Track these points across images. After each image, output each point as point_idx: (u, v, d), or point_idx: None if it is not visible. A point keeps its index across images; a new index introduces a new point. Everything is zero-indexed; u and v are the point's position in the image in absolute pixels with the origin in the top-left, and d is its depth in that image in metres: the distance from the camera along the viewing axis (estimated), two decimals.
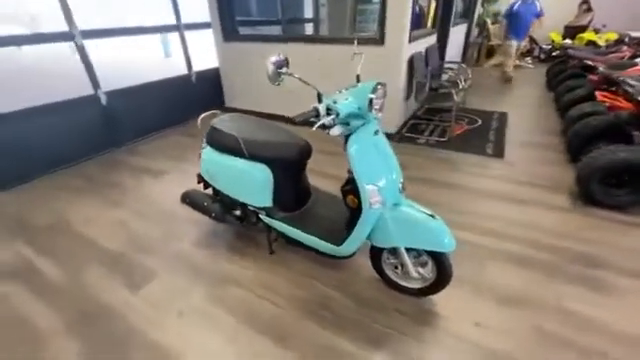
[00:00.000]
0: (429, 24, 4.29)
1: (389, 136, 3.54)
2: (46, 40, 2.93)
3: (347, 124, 1.36)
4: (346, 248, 1.54)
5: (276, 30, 4.94)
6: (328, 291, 1.72)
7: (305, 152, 1.68)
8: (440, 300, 1.63)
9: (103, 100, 3.35)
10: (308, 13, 5.51)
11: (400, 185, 1.43)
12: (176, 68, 4.18)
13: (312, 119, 1.21)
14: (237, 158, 1.74)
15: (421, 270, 1.56)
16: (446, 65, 4.71)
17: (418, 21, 3.79)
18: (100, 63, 3.40)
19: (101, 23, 3.22)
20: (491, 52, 7.89)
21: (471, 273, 1.78)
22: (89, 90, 3.24)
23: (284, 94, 3.85)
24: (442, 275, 1.49)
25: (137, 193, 2.70)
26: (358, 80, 1.54)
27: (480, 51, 7.81)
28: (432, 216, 1.40)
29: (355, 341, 1.45)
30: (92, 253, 2.05)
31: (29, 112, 2.88)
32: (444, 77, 4.37)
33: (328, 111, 1.23)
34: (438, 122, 3.98)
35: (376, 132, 1.40)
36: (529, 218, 2.22)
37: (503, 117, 4.17)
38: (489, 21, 7.72)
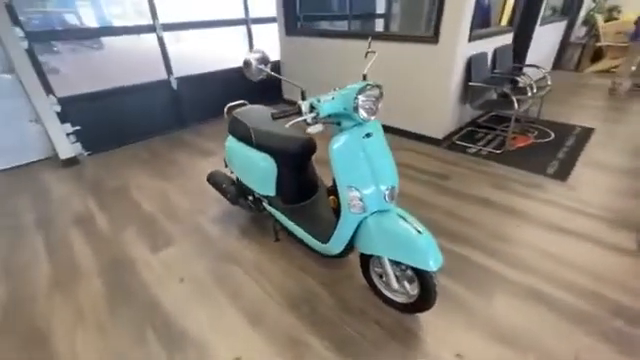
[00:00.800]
0: (504, 21, 3.82)
1: (435, 142, 3.32)
2: (134, 32, 3.46)
3: (339, 124, 1.35)
4: (331, 247, 1.54)
5: (343, 26, 4.97)
6: (316, 288, 1.73)
7: (307, 147, 1.70)
8: (427, 321, 1.52)
9: (174, 84, 3.83)
10: (381, 9, 5.39)
11: (387, 192, 1.36)
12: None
13: (294, 116, 1.23)
14: (248, 147, 1.86)
15: (407, 285, 1.47)
16: (525, 69, 4.15)
17: (486, 18, 3.42)
18: (184, 53, 3.90)
19: (187, 17, 3.69)
20: (598, 55, 6.64)
21: (473, 301, 1.61)
22: (163, 75, 3.75)
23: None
24: (425, 294, 1.39)
25: (185, 169, 3.05)
26: (364, 79, 1.49)
27: (583, 54, 6.64)
28: (420, 231, 1.30)
29: (323, 340, 1.46)
30: (135, 214, 2.41)
31: (120, 90, 3.48)
32: (520, 82, 3.87)
33: (312, 109, 1.24)
34: (500, 132, 3.57)
35: (368, 135, 1.34)
36: (574, 254, 1.88)
37: (586, 134, 3.52)
38: (600, 18, 6.49)
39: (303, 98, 1.25)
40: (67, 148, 3.19)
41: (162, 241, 2.12)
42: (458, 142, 3.38)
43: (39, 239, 2.19)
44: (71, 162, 3.22)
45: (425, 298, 1.40)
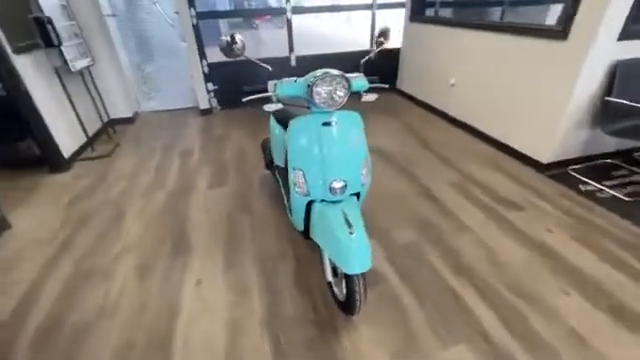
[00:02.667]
0: None
1: (537, 165, 2.64)
2: (270, 13, 4.10)
3: (309, 108, 1.41)
4: (294, 221, 1.64)
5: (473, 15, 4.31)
6: (289, 256, 1.87)
7: None
8: (356, 329, 1.45)
9: (293, 61, 4.38)
10: None
11: (335, 185, 1.34)
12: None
13: (259, 94, 1.38)
14: (275, 122, 2.10)
15: (343, 283, 1.44)
16: None
17: None
18: (316, 33, 4.41)
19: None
20: None
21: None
22: (286, 53, 4.33)
23: (448, 87, 3.57)
24: (349, 297, 1.34)
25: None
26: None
27: None
28: (352, 233, 1.25)
29: (262, 295, 1.63)
30: (217, 158, 3.08)
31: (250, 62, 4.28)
32: None
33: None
34: None
35: (328, 124, 1.34)
36: None
37: None
38: None
39: (269, 78, 1.38)
40: (206, 101, 4.24)
41: (218, 182, 2.68)
42: (573, 173, 2.58)
43: (159, 157, 3.15)
44: (206, 112, 4.28)
45: (348, 302, 1.36)
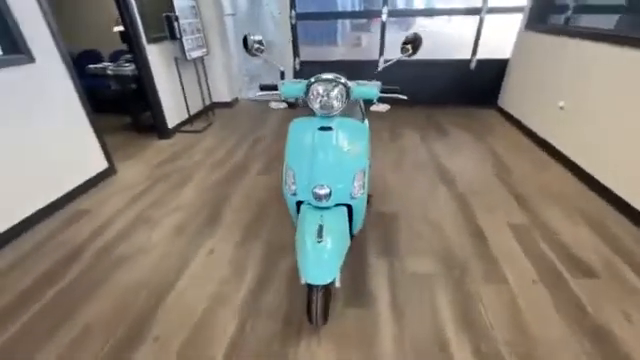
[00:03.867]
0: None
1: None
2: (364, 16, 4.09)
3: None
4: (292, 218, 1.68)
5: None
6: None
7: None
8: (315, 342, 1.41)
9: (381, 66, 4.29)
10: None
11: (317, 191, 1.31)
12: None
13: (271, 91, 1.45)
14: None
15: None
16: None
17: None
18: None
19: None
20: None
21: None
22: (374, 56, 4.27)
23: (555, 111, 2.93)
24: (307, 306, 1.32)
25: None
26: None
27: None
28: (320, 241, 1.22)
29: (251, 278, 1.73)
30: (277, 150, 3.32)
31: (341, 63, 4.42)
32: None
33: None
34: None
35: (325, 128, 1.32)
36: None
37: None
38: None
39: (282, 78, 1.42)
40: None
41: (267, 170, 2.90)
42: None
43: (236, 139, 3.59)
44: (291, 105, 4.59)
45: (307, 310, 1.33)
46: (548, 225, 2.10)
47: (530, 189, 2.49)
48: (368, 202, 2.20)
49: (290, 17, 4.12)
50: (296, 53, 4.36)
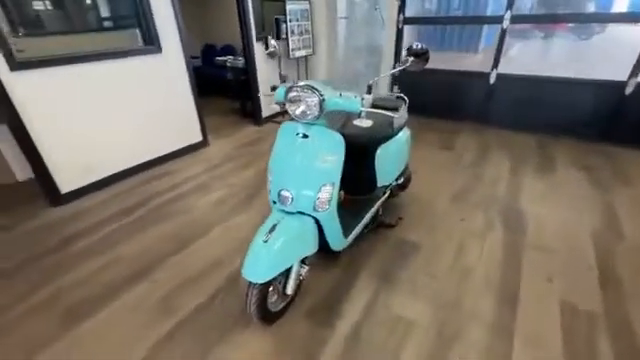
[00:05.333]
0: None
1: None
2: (481, 21, 3.54)
3: None
4: None
5: None
6: None
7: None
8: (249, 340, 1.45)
9: (492, 79, 3.68)
10: None
11: (283, 194, 1.32)
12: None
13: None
14: None
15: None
16: None
17: None
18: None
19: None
20: None
21: None
22: (487, 68, 3.69)
23: None
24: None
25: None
26: (369, 89, 1.32)
27: None
28: (266, 241, 1.25)
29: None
30: None
31: (446, 72, 4.03)
32: None
33: None
34: None
35: (304, 136, 1.30)
36: None
37: None
38: None
39: (283, 82, 1.47)
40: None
41: None
42: None
43: None
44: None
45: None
46: (626, 319, 1.47)
47: (636, 270, 1.76)
48: (394, 225, 2.03)
49: (397, 21, 4.00)
50: (397, 58, 4.20)
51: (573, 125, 3.41)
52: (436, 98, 4.12)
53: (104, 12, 2.71)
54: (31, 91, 2.16)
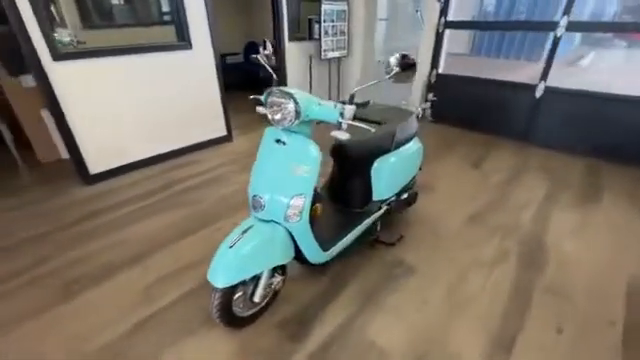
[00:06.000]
0: None
1: None
2: (532, 27, 3.17)
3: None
4: None
5: None
6: None
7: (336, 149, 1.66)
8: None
9: (538, 92, 3.31)
10: None
11: (256, 199, 1.29)
12: None
13: None
14: None
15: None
16: None
17: None
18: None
19: None
20: None
21: None
22: (534, 80, 3.32)
23: None
24: None
25: (454, 173, 3.16)
26: (351, 99, 1.23)
27: None
28: (231, 246, 1.23)
29: None
30: None
31: (487, 82, 3.71)
32: None
33: None
34: None
35: (282, 142, 1.26)
36: None
37: None
38: None
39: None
40: (417, 108, 4.21)
41: None
42: None
43: None
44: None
45: None
46: None
47: None
48: (392, 243, 1.90)
49: (438, 25, 3.76)
50: (434, 64, 3.96)
51: (635, 151, 2.94)
52: (473, 109, 3.82)
53: (147, 9, 2.90)
54: (70, 79, 2.38)
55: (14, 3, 2.03)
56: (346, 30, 4.15)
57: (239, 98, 3.46)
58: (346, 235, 1.59)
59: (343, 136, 1.20)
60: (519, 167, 3.01)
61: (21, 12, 2.07)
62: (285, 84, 3.94)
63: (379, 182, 1.71)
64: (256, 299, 1.38)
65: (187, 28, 2.87)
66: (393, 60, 1.30)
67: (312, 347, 1.41)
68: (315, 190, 1.36)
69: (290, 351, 1.39)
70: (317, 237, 1.43)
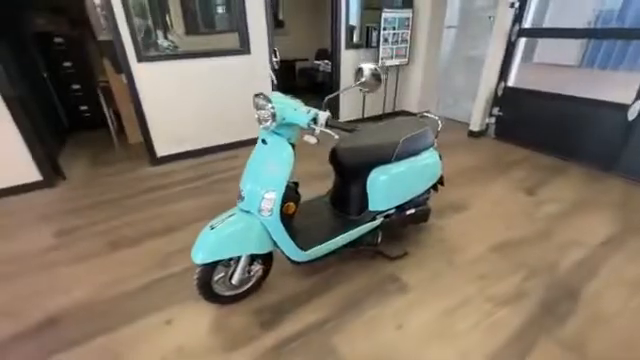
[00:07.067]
0: None
1: None
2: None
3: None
4: None
5: None
6: None
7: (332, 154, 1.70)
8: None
9: (632, 114, 2.72)
10: None
11: (242, 191, 1.43)
12: None
13: None
14: None
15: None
16: None
17: None
18: None
19: None
20: None
21: None
22: (625, 99, 2.74)
23: None
24: None
25: (503, 202, 2.86)
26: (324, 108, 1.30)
27: None
28: (212, 227, 1.39)
29: None
30: None
31: (565, 98, 3.21)
32: None
33: None
34: None
35: (265, 142, 1.37)
36: None
37: None
38: None
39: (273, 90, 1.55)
40: (480, 124, 3.84)
41: None
42: None
43: None
44: (474, 134, 3.91)
45: None
46: None
47: None
48: (393, 257, 1.85)
49: (510, 32, 3.39)
50: (503, 76, 3.57)
51: None
52: (545, 128, 3.34)
53: (224, 19, 3.33)
54: (148, 77, 2.90)
55: (114, 18, 2.60)
56: (408, 38, 4.05)
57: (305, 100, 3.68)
58: (331, 239, 1.61)
59: (312, 140, 1.25)
60: (585, 200, 2.53)
61: (119, 25, 2.63)
62: (338, 89, 4.04)
63: (375, 192, 1.68)
64: (234, 282, 1.52)
65: (247, 36, 3.20)
66: (367, 70, 1.33)
67: (275, 338, 1.48)
68: (290, 189, 1.43)
69: (254, 336, 1.49)
70: (294, 235, 1.50)
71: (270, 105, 1.25)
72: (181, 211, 2.48)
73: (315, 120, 1.26)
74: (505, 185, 2.79)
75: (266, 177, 1.37)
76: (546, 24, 4.44)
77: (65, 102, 4.09)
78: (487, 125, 3.87)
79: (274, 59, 1.71)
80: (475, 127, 3.88)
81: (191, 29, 3.16)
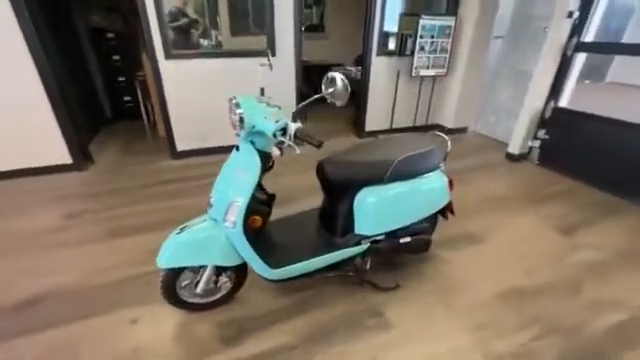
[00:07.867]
0: None
1: None
2: None
3: None
4: None
5: None
6: None
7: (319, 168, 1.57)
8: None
9: None
10: None
11: (210, 199, 1.36)
12: None
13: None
14: None
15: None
16: None
17: None
18: None
19: None
20: None
21: None
22: None
23: None
24: None
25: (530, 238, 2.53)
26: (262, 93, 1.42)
27: None
28: (180, 232, 1.35)
29: None
30: None
31: (621, 124, 2.74)
32: None
33: None
34: None
35: (237, 148, 1.29)
36: None
37: None
38: None
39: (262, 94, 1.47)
40: (520, 146, 3.41)
41: None
42: None
43: None
44: (514, 158, 3.48)
45: None
46: None
47: None
48: (382, 288, 1.68)
49: (565, 46, 2.97)
50: (554, 95, 3.14)
51: None
52: (599, 157, 2.86)
53: (255, 21, 3.36)
54: (174, 74, 3.00)
55: (147, 18, 2.72)
56: (449, 47, 3.75)
57: (330, 106, 3.59)
58: (306, 260, 1.48)
59: (275, 152, 1.16)
60: (636, 251, 2.10)
61: (150, 24, 2.75)
62: (366, 96, 3.87)
63: (362, 214, 1.52)
64: (198, 291, 1.46)
65: (274, 38, 3.18)
66: (339, 80, 1.20)
67: (234, 357, 1.39)
68: (258, 201, 1.33)
69: (212, 350, 1.42)
70: (267, 250, 1.40)
71: (239, 110, 1.17)
72: (189, 206, 2.49)
73: (285, 130, 1.15)
74: (537, 219, 2.43)
75: (233, 185, 1.30)
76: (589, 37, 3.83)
77: (111, 92, 4.43)
78: (530, 149, 3.43)
79: (267, 62, 1.62)
80: (515, 150, 3.47)
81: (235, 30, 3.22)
